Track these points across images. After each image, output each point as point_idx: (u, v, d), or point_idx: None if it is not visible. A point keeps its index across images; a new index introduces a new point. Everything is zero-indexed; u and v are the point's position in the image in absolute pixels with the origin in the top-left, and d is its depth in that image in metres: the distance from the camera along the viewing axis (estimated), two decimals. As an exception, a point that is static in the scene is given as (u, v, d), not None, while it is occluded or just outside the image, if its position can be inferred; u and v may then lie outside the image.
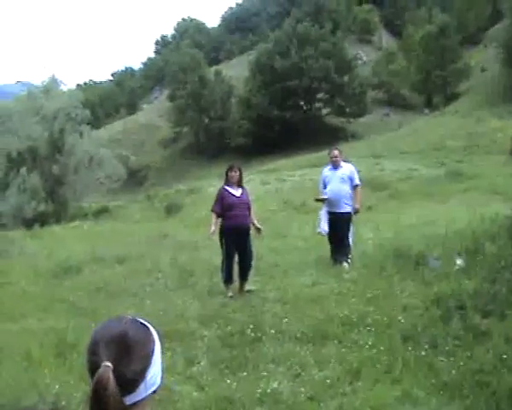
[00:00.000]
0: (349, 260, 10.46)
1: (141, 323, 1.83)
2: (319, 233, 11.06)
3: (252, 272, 9.95)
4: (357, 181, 10.92)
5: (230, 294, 9.49)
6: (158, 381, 1.81)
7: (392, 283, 8.63)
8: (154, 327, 1.86)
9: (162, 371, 1.83)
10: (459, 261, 9.17)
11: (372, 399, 5.40)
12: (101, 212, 29.97)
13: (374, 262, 9.93)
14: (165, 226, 17.92)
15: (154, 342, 1.82)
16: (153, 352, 1.79)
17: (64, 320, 8.15)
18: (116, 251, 13.65)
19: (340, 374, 6.03)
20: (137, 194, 36.22)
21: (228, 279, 9.72)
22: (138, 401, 1.74)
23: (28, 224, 24.72)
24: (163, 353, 1.87)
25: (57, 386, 5.69)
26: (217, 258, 10.30)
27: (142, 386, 1.74)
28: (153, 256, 12.94)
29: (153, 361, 1.78)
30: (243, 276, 9.81)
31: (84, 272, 12.00)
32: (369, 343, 6.67)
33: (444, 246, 9.66)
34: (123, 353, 1.72)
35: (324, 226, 10.84)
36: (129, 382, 1.71)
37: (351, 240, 10.82)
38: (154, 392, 1.80)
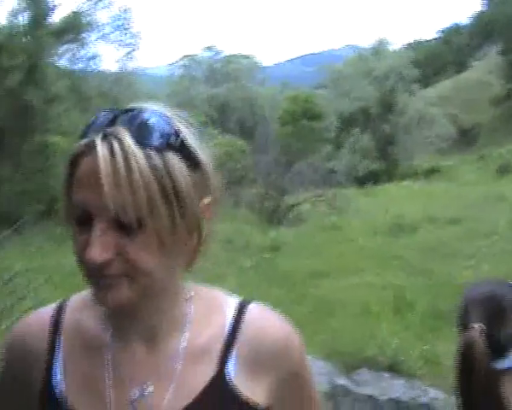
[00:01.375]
0: None
1: (509, 285, 1.73)
2: None
3: None
4: None
5: None
6: None
7: None
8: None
9: None
10: None
11: None
12: (432, 171, 29.66)
13: None
14: (499, 188, 17.06)
15: None
16: None
17: (400, 277, 8.30)
18: (449, 212, 13.42)
19: None
20: (467, 154, 35.03)
21: None
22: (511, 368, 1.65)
23: (360, 182, 25.54)
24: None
25: (395, 341, 5.81)
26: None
27: None
28: (488, 218, 12.43)
29: None
30: None
31: (418, 231, 12.03)
32: None
33: None
34: (494, 315, 1.63)
35: None
36: (499, 345, 1.63)
37: None
38: None
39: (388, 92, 35.88)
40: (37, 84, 15.37)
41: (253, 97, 44.20)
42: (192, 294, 1.13)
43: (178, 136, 0.98)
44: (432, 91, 60.52)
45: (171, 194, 0.94)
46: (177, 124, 1.00)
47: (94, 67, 19.40)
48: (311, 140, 33.51)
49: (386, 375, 5.34)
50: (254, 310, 1.13)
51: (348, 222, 13.46)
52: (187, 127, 1.02)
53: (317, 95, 40.72)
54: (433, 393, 5.06)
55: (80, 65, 18.70)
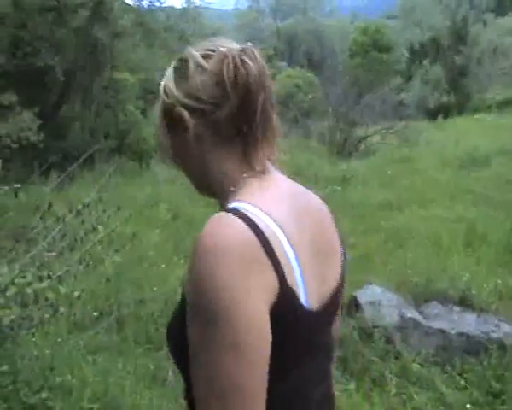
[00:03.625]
0: None
1: None
2: None
3: None
4: None
5: None
6: None
7: None
8: None
9: None
10: None
11: None
12: (506, 104, 28.66)
13: None
14: None
15: None
16: None
17: (472, 210, 8.10)
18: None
19: None
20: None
21: None
22: None
23: (431, 114, 24.93)
24: None
25: (467, 275, 5.69)
26: None
27: None
28: None
29: None
30: None
31: (491, 164, 11.70)
32: None
33: None
34: None
35: None
36: None
37: None
38: None
39: (460, 22, 34.57)
40: (104, 20, 15.43)
41: (321, 29, 43.42)
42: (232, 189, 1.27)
43: None
44: (508, 21, 57.94)
45: None
46: None
47: (159, 3, 19.32)
48: (381, 72, 32.82)
49: (457, 309, 5.24)
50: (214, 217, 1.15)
51: (419, 154, 13.22)
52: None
53: (388, 25, 39.68)
54: (507, 328, 4.95)
55: (145, 2, 18.63)
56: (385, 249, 6.73)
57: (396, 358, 4.84)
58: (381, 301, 5.25)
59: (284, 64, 32.52)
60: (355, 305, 5.31)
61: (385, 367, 4.71)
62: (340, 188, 10.57)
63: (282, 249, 1.15)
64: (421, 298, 5.38)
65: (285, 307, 1.13)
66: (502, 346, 4.76)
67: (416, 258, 6.29)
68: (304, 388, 1.25)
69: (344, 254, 1.41)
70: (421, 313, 5.23)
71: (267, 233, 1.14)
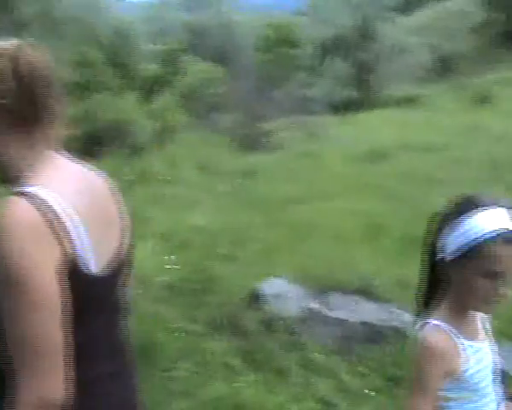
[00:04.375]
0: None
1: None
2: None
3: None
4: None
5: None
6: None
7: None
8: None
9: None
10: None
11: None
12: (409, 100, 29.51)
13: None
14: (475, 117, 17.07)
15: None
16: None
17: (374, 203, 8.31)
18: (425, 139, 13.44)
19: None
20: (446, 83, 34.85)
21: None
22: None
23: (337, 110, 25.37)
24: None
25: (368, 265, 5.84)
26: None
27: None
28: (462, 146, 12.49)
29: None
30: None
31: (394, 158, 12.04)
32: None
33: None
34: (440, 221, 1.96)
35: None
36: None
37: None
38: None
39: (366, 20, 35.39)
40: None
41: (231, 24, 43.40)
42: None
43: None
44: (412, 20, 59.70)
45: None
46: None
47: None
48: (290, 67, 33.17)
49: (358, 298, 5.38)
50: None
51: (324, 149, 13.42)
52: None
53: (297, 22, 40.13)
54: (406, 316, 5.11)
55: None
56: (289, 242, 6.81)
57: (299, 348, 4.90)
58: (284, 293, 5.33)
59: (195, 58, 32.36)
60: (259, 297, 5.35)
61: (288, 358, 4.76)
62: (245, 181, 10.62)
63: (71, 224, 1.39)
64: (323, 289, 5.47)
65: (74, 272, 1.39)
66: (401, 334, 4.91)
67: (319, 250, 6.41)
68: (97, 337, 1.55)
69: (129, 223, 1.70)
70: (323, 303, 5.32)
71: (57, 210, 1.37)
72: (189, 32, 40.31)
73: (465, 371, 1.91)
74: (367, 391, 4.45)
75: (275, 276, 5.63)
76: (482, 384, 1.96)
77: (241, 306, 5.36)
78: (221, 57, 35.38)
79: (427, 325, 1.94)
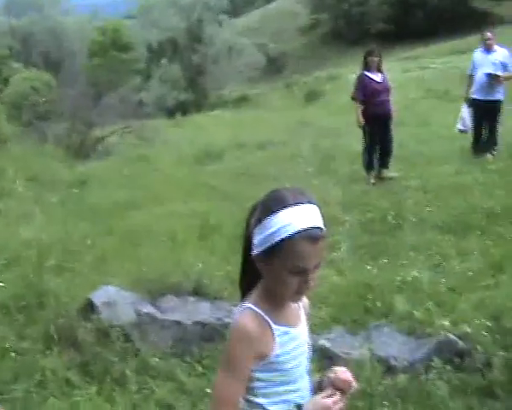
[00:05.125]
0: (494, 152, 10.00)
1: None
2: (460, 131, 10.59)
3: (392, 160, 9.81)
4: (510, 66, 10.16)
5: (372, 181, 9.47)
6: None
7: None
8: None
9: None
10: None
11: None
12: (241, 100, 30.20)
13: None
14: (305, 114, 17.82)
15: None
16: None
17: (207, 204, 8.41)
18: (257, 138, 13.81)
19: (483, 267, 5.84)
20: (277, 82, 35.94)
21: (370, 166, 9.68)
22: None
23: (170, 113, 25.41)
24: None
25: (200, 266, 5.89)
26: (357, 144, 10.22)
27: None
28: (293, 143, 12.97)
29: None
30: (385, 163, 9.75)
31: (226, 157, 12.27)
32: (516, 237, 6.40)
33: None
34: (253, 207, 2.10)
35: (466, 123, 10.36)
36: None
37: (498, 131, 10.28)
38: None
39: (195, 22, 35.72)
40: None
41: (59, 28, 42.07)
42: None
43: None
44: (242, 21, 60.97)
45: None
46: None
47: None
48: (121, 72, 32.75)
49: (192, 299, 5.41)
50: None
51: (156, 153, 13.40)
52: None
53: (127, 25, 39.70)
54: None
55: None
56: (123, 249, 6.72)
57: (135, 355, 4.87)
58: (116, 300, 5.25)
59: (19, 65, 30.98)
60: (92, 307, 5.25)
61: (125, 366, 4.72)
62: (77, 191, 10.37)
63: None
64: (156, 293, 5.46)
65: None
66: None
67: (152, 255, 6.38)
68: None
69: None
70: (157, 307, 5.31)
71: None
72: (12, 38, 38.58)
73: (277, 355, 1.97)
74: (206, 390, 4.51)
75: (107, 284, 5.54)
76: (294, 369, 2.03)
77: (74, 318, 5.22)
78: (49, 63, 34.22)
79: (241, 309, 1.99)
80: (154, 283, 5.52)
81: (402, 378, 4.41)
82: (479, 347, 4.55)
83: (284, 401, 2.03)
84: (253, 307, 1.97)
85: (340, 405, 2.04)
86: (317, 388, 2.17)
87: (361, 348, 4.55)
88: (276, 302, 2.00)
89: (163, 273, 5.67)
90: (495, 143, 10.17)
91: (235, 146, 13.28)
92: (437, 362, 4.47)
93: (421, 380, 4.36)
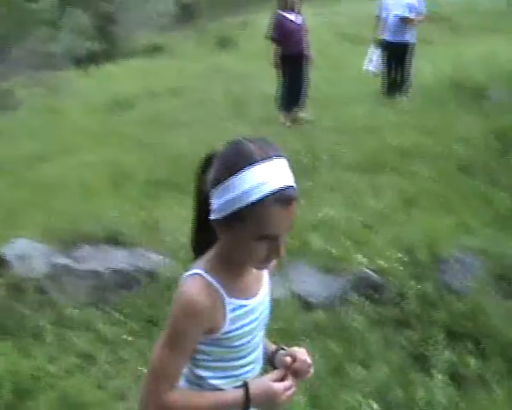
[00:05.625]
0: (408, 95, 10.20)
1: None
2: (368, 72, 10.72)
3: (307, 102, 9.86)
4: (422, 9, 10.29)
5: (288, 124, 9.48)
6: None
7: (450, 115, 8.41)
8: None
9: None
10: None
11: (428, 228, 5.37)
12: (154, 49, 29.53)
13: (432, 94, 9.68)
14: (217, 60, 17.60)
15: None
16: None
17: (119, 152, 8.23)
18: (169, 85, 13.58)
19: (397, 203, 6.00)
20: (189, 29, 35.37)
21: (286, 107, 9.67)
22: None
23: (81, 63, 24.62)
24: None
25: (115, 213, 5.81)
26: (271, 88, 10.21)
27: None
28: (206, 89, 12.84)
29: None
30: (299, 105, 9.76)
31: (138, 106, 12.02)
32: (427, 174, 6.59)
33: (507, 80, 9.30)
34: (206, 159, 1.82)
35: (375, 64, 10.50)
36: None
37: (410, 73, 10.46)
38: None
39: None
40: None
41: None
42: None
43: None
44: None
45: None
46: None
47: None
48: (28, 22, 31.42)
49: (107, 247, 5.33)
50: None
51: (67, 104, 12.97)
52: None
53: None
54: (155, 258, 5.17)
55: None
56: (32, 202, 6.52)
57: (51, 307, 4.78)
58: (29, 253, 5.12)
59: None
60: (3, 261, 5.10)
61: (41, 318, 4.63)
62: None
63: None
64: (70, 244, 5.34)
65: None
66: (152, 275, 4.98)
67: (65, 206, 6.23)
68: None
69: None
70: (72, 257, 5.20)
71: None
72: None
73: (227, 332, 1.76)
74: (125, 337, 4.48)
75: (18, 237, 5.38)
76: (246, 344, 1.82)
77: (-15, 274, 5.07)
78: None
79: (190, 275, 1.74)
80: (67, 233, 5.40)
81: (320, 314, 4.51)
82: (393, 280, 4.69)
83: (231, 377, 1.83)
84: (204, 274, 1.73)
85: (292, 392, 1.83)
86: (270, 360, 2.00)
87: (278, 286, 4.60)
88: (234, 270, 1.78)
89: (76, 223, 5.56)
90: (407, 85, 10.35)
91: (147, 94, 13.00)
92: (354, 297, 4.60)
93: (338, 315, 4.47)
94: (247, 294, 1.81)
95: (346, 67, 14.37)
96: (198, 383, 1.83)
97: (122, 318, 4.68)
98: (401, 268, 4.79)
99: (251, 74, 13.98)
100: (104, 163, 7.76)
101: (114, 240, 5.37)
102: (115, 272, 5.06)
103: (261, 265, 1.75)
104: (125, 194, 6.58)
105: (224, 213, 1.65)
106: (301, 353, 1.90)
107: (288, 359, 1.86)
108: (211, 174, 1.69)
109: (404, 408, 3.70)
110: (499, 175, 6.44)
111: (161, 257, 5.14)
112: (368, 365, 4.06)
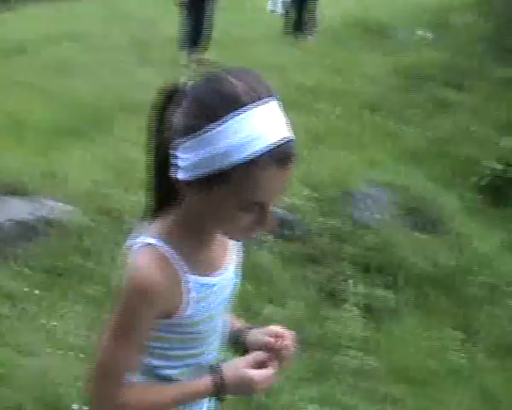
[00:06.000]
0: (314, 34, 10.21)
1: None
2: (271, 11, 10.69)
3: (211, 44, 9.74)
4: None
5: (193, 66, 9.33)
6: None
7: (355, 54, 8.48)
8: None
9: None
10: (426, 33, 9.03)
11: (336, 164, 5.41)
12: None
13: (337, 34, 9.72)
14: (120, 5, 17.02)
15: None
16: None
17: (14, 100, 7.78)
18: (73, 30, 13.00)
19: (304, 141, 5.98)
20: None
21: (189, 48, 9.50)
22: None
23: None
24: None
25: (15, 163, 5.54)
26: (174, 31, 9.97)
27: None
28: (107, 34, 12.40)
29: None
30: (204, 45, 9.60)
31: (33, 51, 11.42)
32: (334, 112, 6.62)
33: (409, 18, 9.45)
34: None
35: (277, 4, 10.48)
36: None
37: (315, 12, 10.46)
38: None
39: None
40: None
41: None
42: None
43: None
44: None
45: None
46: None
47: None
48: None
49: (5, 197, 5.07)
50: None
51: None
52: None
53: None
54: (56, 206, 4.99)
55: None
56: None
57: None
58: None
59: None
60: None
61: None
62: None
63: None
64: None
65: None
66: (54, 224, 4.80)
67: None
68: None
69: None
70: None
71: None
72: None
73: (185, 316, 1.40)
74: (28, 290, 4.31)
75: None
76: (206, 328, 1.48)
77: None
78: None
79: (142, 247, 1.36)
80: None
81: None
82: (303, 216, 4.70)
83: (187, 365, 1.49)
84: (159, 244, 1.35)
85: (271, 380, 1.50)
86: (236, 340, 1.65)
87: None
88: (198, 240, 1.42)
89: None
90: (312, 25, 10.35)
91: (44, 39, 12.35)
92: (268, 236, 4.57)
93: (247, 252, 4.44)
94: (212, 269, 1.45)
95: (250, 9, 14.21)
96: (155, 373, 1.49)
97: (25, 270, 4.50)
98: (311, 205, 4.80)
99: (153, 18, 13.64)
100: (3, 114, 7.35)
101: (13, 189, 5.11)
102: (14, 222, 4.82)
103: (240, 236, 1.42)
104: (24, 143, 6.27)
105: (197, 173, 1.26)
106: (288, 333, 1.61)
107: (272, 340, 1.56)
108: (177, 118, 1.30)
109: (318, 344, 3.72)
110: (404, 111, 6.55)
111: (64, 205, 4.95)
112: (281, 302, 4.07)
